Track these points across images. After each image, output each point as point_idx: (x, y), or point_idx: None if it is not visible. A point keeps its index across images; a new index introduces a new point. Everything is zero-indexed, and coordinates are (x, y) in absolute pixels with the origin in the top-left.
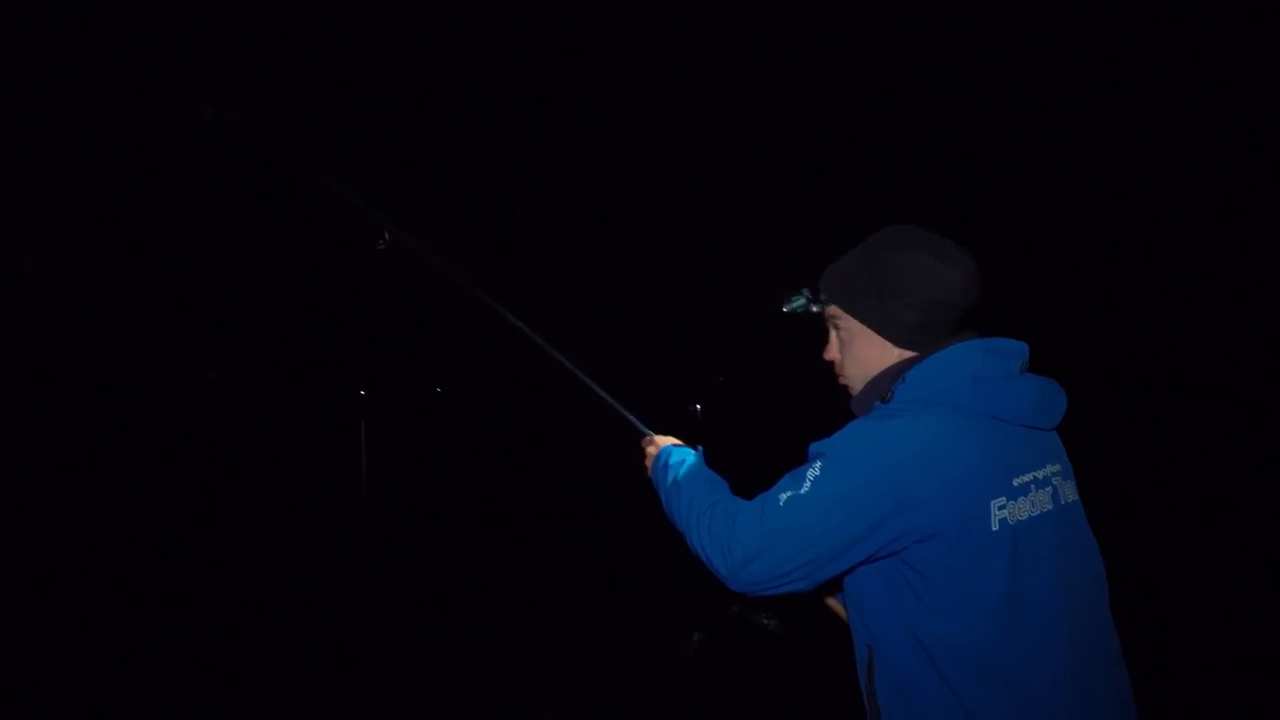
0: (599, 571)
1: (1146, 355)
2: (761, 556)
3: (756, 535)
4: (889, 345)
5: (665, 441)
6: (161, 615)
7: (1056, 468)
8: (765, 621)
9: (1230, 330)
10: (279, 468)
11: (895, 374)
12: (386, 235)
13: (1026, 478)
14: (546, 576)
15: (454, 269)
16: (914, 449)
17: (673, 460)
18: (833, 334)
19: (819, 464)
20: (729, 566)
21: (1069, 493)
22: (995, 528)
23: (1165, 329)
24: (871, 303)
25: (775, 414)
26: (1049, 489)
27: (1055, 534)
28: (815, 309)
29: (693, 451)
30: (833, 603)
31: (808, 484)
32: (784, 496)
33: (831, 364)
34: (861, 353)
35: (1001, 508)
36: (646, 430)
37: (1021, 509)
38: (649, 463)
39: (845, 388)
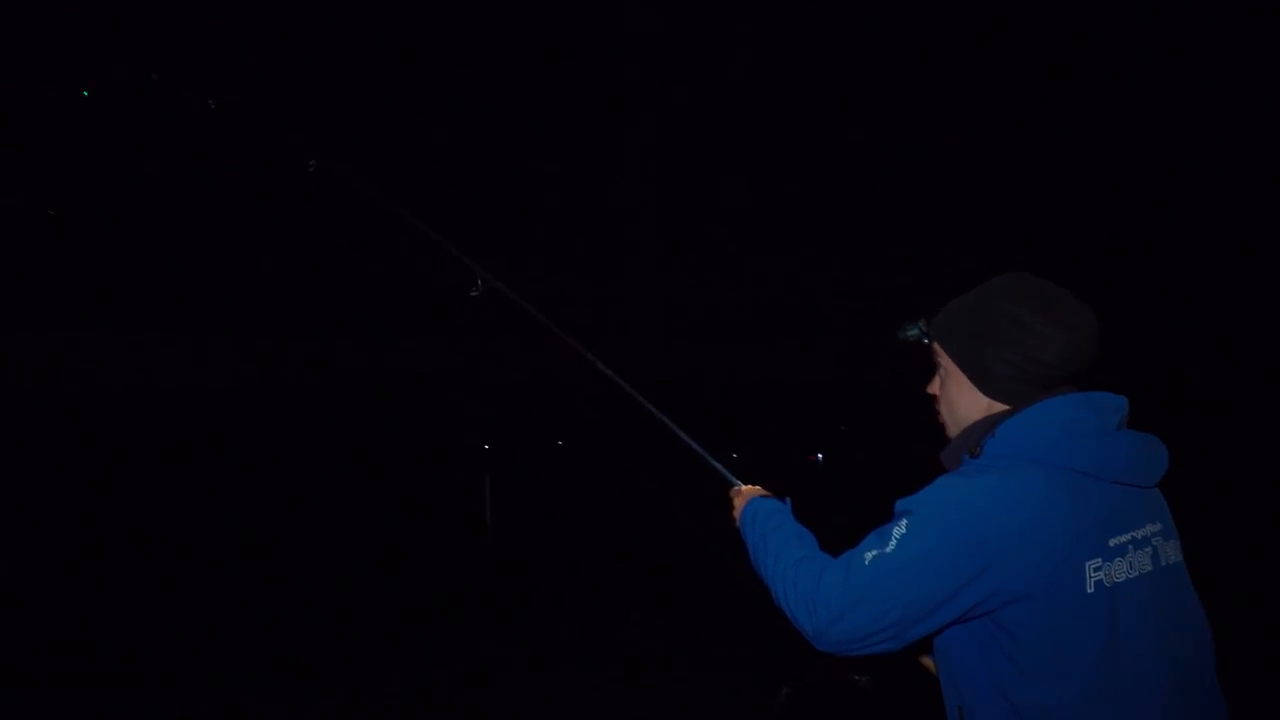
0: (687, 622)
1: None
2: (846, 618)
3: (842, 596)
4: (979, 393)
5: (753, 492)
6: (283, 667)
7: (1157, 527)
8: (856, 678)
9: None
10: (410, 521)
11: (987, 427)
12: (480, 282)
13: (1124, 538)
14: (641, 627)
15: (548, 320)
16: (1001, 508)
17: (761, 512)
18: (938, 370)
19: (905, 522)
20: (814, 627)
21: (1171, 553)
22: (1090, 590)
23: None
24: (968, 348)
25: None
26: (1148, 549)
27: (1155, 597)
28: (925, 341)
29: (781, 503)
30: (926, 660)
31: (893, 543)
32: (869, 555)
33: (933, 399)
34: (954, 394)
35: (1097, 569)
36: (735, 480)
37: (1118, 570)
38: (736, 513)
39: (942, 426)
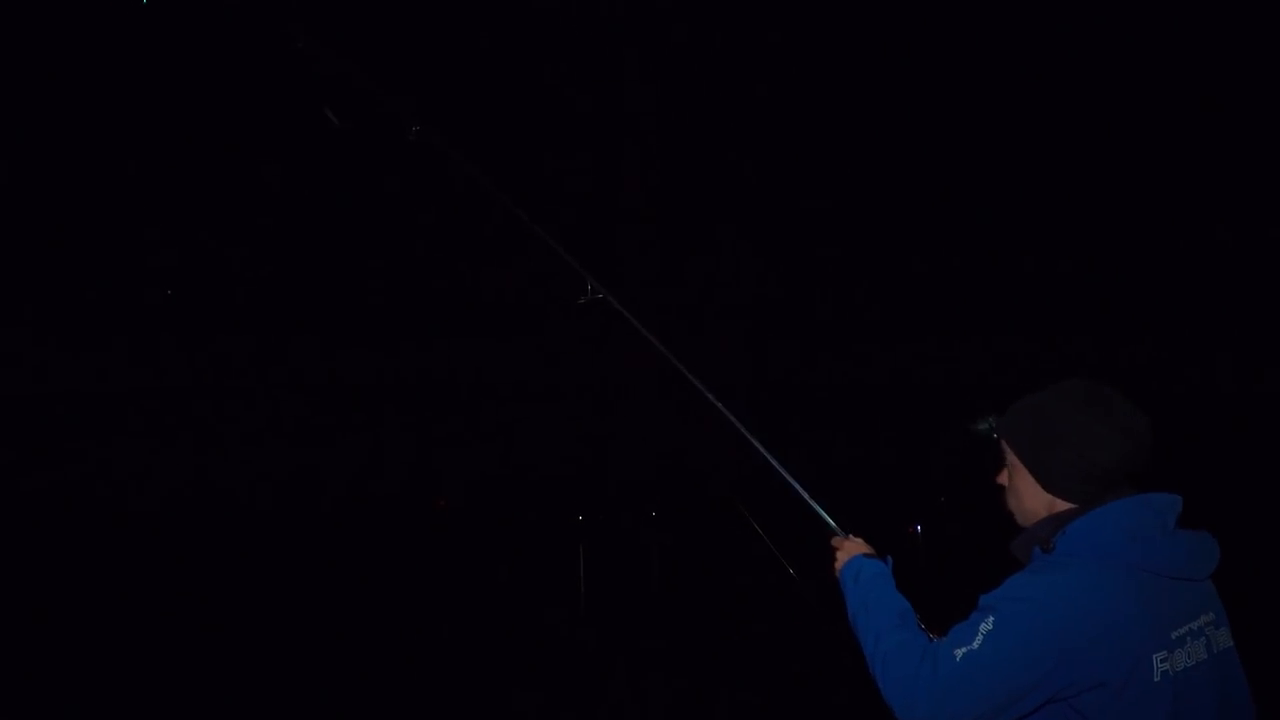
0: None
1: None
2: (939, 713)
3: (933, 691)
4: (1041, 489)
5: (856, 547)
6: None
7: (1210, 617)
8: None
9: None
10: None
11: (1056, 523)
12: (590, 288)
13: (1183, 630)
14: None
15: (654, 338)
16: (1077, 607)
17: (863, 576)
18: (1005, 463)
19: (991, 619)
20: (911, 718)
21: (1222, 640)
22: (1157, 679)
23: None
24: (1033, 448)
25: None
26: (1203, 639)
27: (1211, 682)
28: (994, 436)
29: (884, 565)
30: None
31: (980, 638)
32: (959, 653)
33: (1000, 490)
34: (1020, 488)
35: (1163, 660)
36: (838, 529)
37: (1179, 660)
38: (838, 566)
39: (1009, 515)
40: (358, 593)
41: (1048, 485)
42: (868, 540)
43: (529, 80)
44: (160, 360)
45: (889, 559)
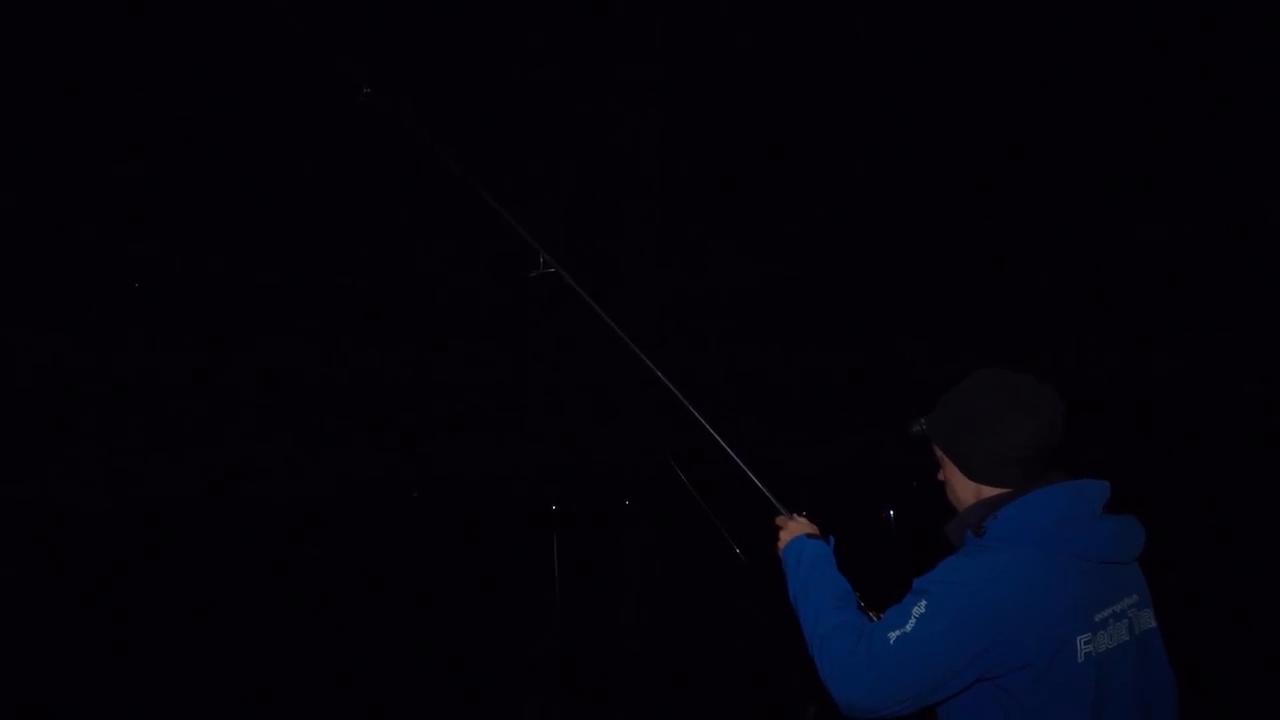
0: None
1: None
2: (872, 693)
3: (867, 673)
4: (966, 478)
5: (800, 527)
6: None
7: (1134, 599)
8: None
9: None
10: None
11: (988, 507)
12: (541, 262)
13: (1106, 613)
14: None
15: (606, 315)
16: (1005, 590)
17: (805, 557)
18: (939, 459)
19: (924, 602)
20: (845, 700)
21: (1145, 621)
22: (1081, 660)
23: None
24: (952, 440)
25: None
26: (1125, 621)
27: (1133, 663)
28: (926, 435)
29: (826, 547)
30: None
31: (912, 622)
32: (892, 635)
33: (943, 485)
34: (950, 480)
35: (1087, 642)
36: (783, 509)
37: (1102, 641)
38: (780, 545)
39: (951, 508)
40: (335, 582)
41: (969, 473)
42: (813, 520)
43: (514, 65)
44: (128, 358)
45: (831, 539)
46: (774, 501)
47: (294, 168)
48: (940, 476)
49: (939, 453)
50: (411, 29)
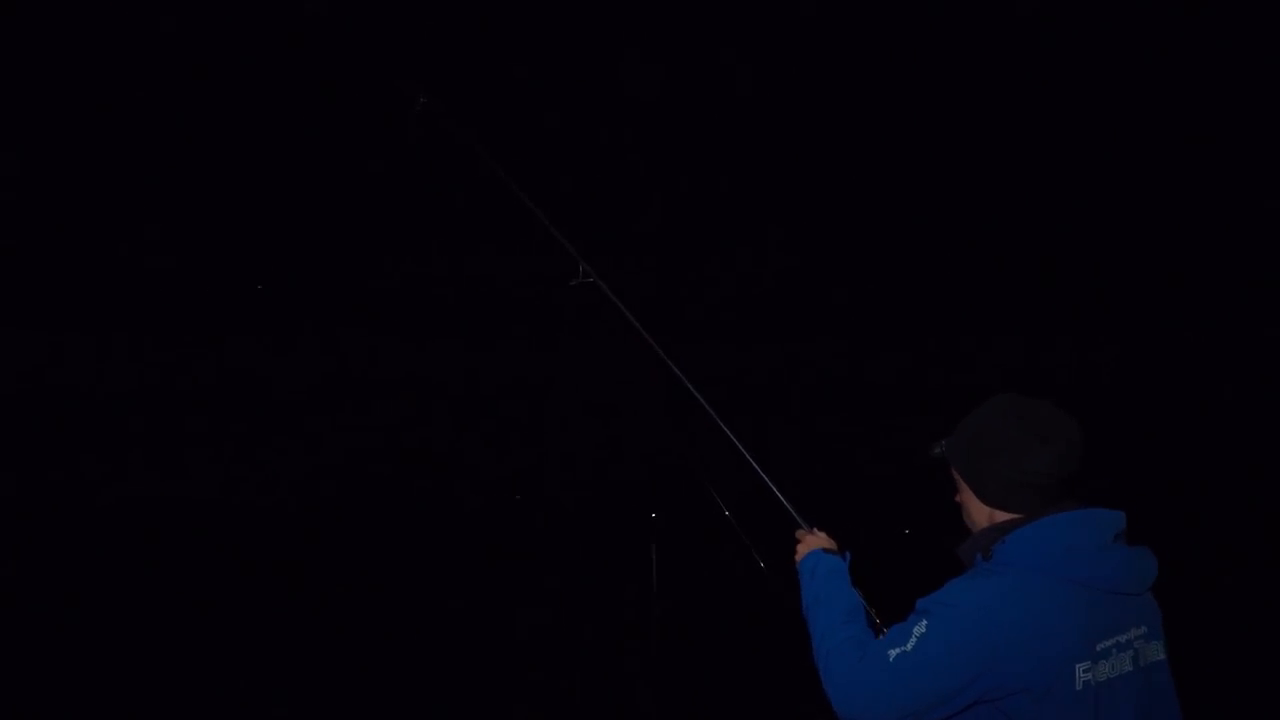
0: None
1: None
2: (872, 708)
3: (868, 688)
4: (980, 502)
5: (817, 541)
6: None
7: (1141, 630)
8: None
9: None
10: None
11: (999, 531)
12: (581, 270)
13: (1109, 642)
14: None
15: (640, 325)
16: (1006, 614)
17: (820, 570)
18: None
19: (924, 623)
20: (845, 713)
21: (1152, 654)
22: (1079, 688)
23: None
24: (968, 464)
25: None
26: (1130, 652)
27: (1134, 694)
28: (944, 459)
29: (841, 562)
30: None
31: (913, 641)
32: (893, 653)
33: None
34: (966, 503)
35: (1086, 670)
36: (804, 523)
37: (1103, 671)
38: (798, 557)
39: (966, 530)
40: (347, 585)
41: (984, 497)
42: (832, 535)
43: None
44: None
45: (848, 555)
46: (795, 515)
47: (338, 173)
48: (957, 499)
49: (955, 476)
50: (457, 33)
